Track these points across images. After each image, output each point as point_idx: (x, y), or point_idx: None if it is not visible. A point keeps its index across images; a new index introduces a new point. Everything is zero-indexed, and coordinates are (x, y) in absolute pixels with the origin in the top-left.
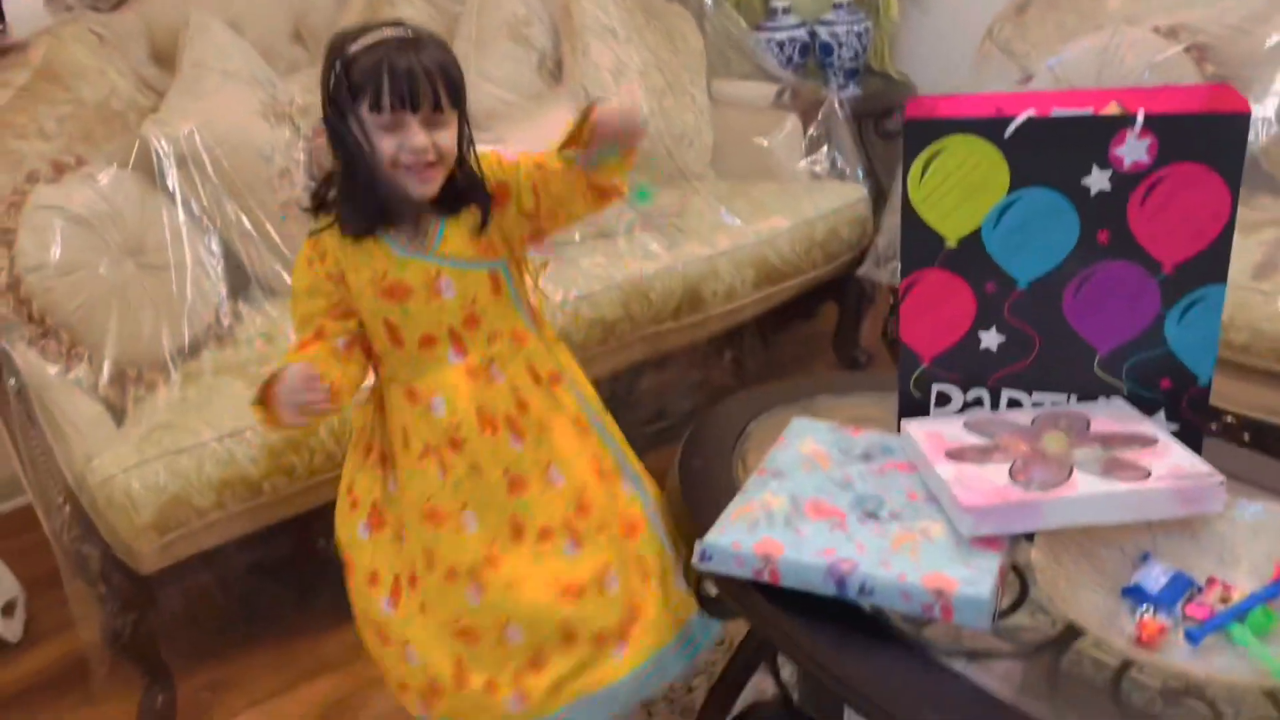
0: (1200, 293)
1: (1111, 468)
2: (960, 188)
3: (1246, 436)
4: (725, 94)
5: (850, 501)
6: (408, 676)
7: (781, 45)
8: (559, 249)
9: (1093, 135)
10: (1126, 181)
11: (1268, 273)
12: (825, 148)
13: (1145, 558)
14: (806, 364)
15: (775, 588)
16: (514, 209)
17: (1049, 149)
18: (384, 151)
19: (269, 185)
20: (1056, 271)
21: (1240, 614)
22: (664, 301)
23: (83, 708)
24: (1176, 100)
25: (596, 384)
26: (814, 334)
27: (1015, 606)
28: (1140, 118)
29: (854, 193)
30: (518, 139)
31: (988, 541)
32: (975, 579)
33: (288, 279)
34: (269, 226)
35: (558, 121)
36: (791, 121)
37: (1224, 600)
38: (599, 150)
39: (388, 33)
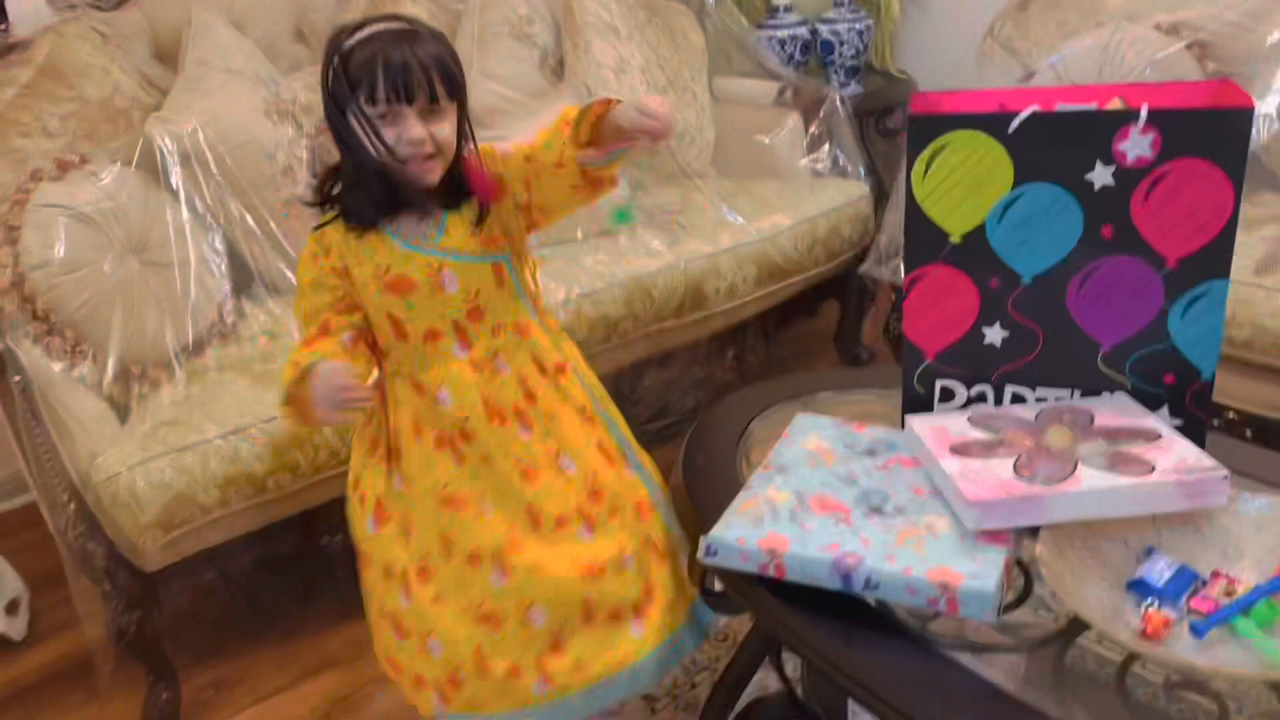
0: (1203, 288)
1: (1116, 462)
2: (964, 183)
3: (1248, 433)
4: (727, 92)
5: (855, 496)
6: (425, 670)
7: (783, 43)
8: (562, 247)
9: (1096, 130)
10: (1130, 177)
11: (1269, 269)
12: (827, 145)
13: (1150, 552)
14: (808, 362)
15: (780, 582)
16: (510, 202)
17: (1053, 144)
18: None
19: (272, 183)
20: (1060, 267)
21: (1245, 607)
22: (666, 299)
23: (88, 705)
24: (1180, 96)
25: (600, 381)
26: (816, 332)
27: (1019, 601)
28: (1144, 113)
29: (856, 190)
30: (520, 137)
31: (993, 536)
32: (981, 573)
33: (291, 276)
34: (272, 224)
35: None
36: (793, 119)
37: (1228, 594)
38: (614, 151)
39: (384, 26)
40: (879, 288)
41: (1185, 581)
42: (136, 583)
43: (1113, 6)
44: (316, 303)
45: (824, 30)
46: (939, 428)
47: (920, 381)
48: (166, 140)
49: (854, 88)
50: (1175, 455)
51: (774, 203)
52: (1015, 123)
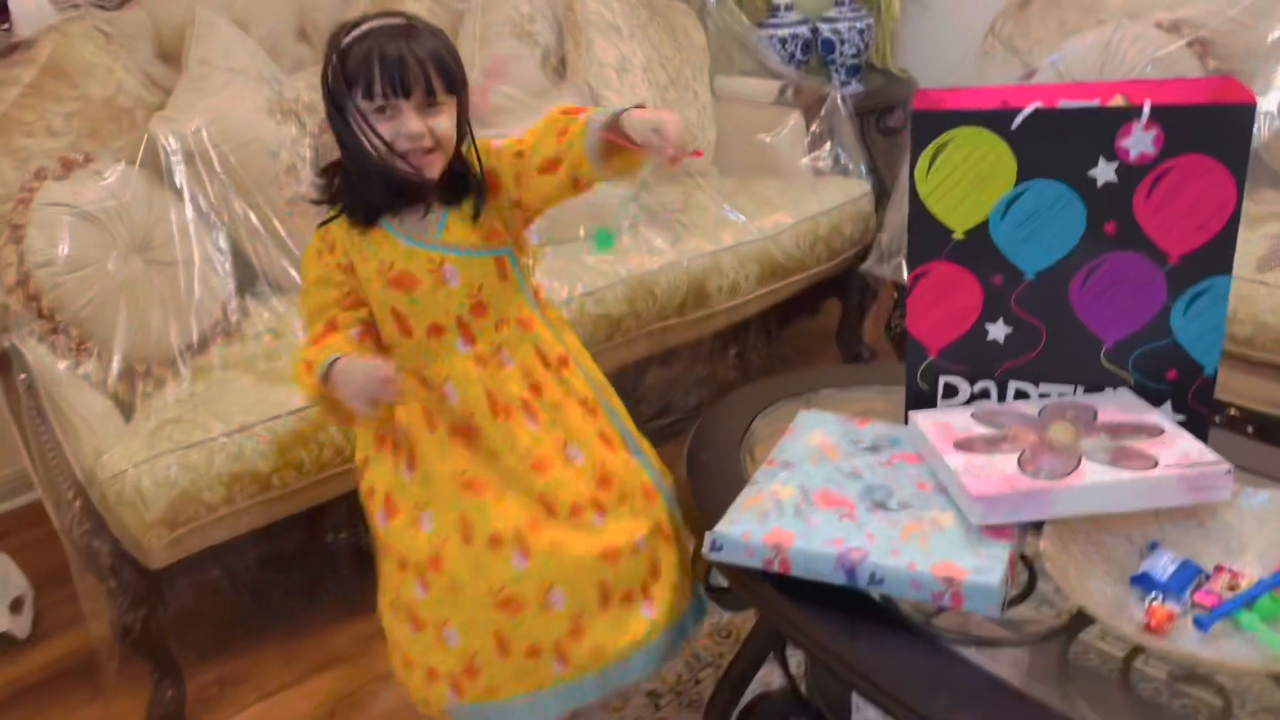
0: (1206, 284)
1: (1119, 457)
2: (967, 180)
3: (1250, 429)
4: (728, 90)
5: (859, 492)
6: (440, 662)
7: (784, 42)
8: (565, 246)
9: (1099, 127)
10: (1133, 173)
11: (1271, 266)
12: (828, 144)
13: (1153, 547)
14: (810, 360)
15: (785, 577)
16: (505, 197)
17: (1056, 141)
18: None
19: (276, 181)
20: (1063, 263)
21: (1248, 601)
22: (669, 297)
23: (92, 703)
24: (1182, 92)
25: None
26: (817, 330)
27: (1023, 596)
28: (1146, 109)
29: (857, 188)
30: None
31: (997, 531)
32: (985, 567)
33: (294, 275)
34: (276, 222)
35: None
36: (794, 118)
37: (1232, 588)
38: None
39: (381, 22)
40: (880, 286)
41: (1189, 576)
42: (142, 580)
43: (1113, 4)
44: (323, 299)
45: (825, 29)
46: (943, 424)
47: (924, 378)
48: (170, 139)
49: (855, 86)
50: (1178, 450)
51: (775, 201)
52: (1018, 119)
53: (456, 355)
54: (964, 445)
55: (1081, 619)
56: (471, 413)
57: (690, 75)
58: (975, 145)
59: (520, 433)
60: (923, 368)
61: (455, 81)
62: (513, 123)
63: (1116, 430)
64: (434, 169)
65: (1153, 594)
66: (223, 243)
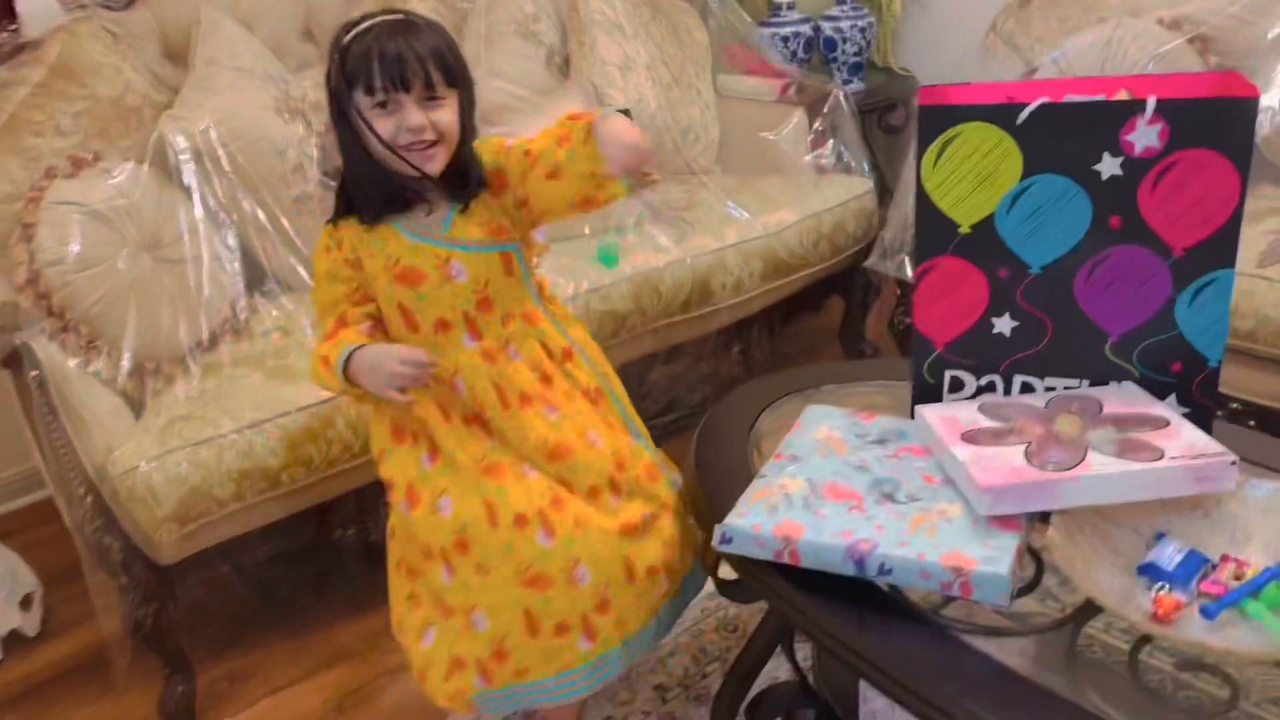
0: (1210, 276)
1: (1125, 448)
2: (974, 174)
3: (1252, 424)
4: (731, 89)
5: (867, 484)
6: (468, 649)
7: (786, 40)
8: (569, 243)
9: (1104, 121)
10: (1138, 167)
11: (1272, 260)
12: (831, 141)
13: (1159, 537)
14: (813, 357)
15: (795, 569)
16: (510, 196)
17: (1061, 135)
18: (384, 135)
19: (283, 180)
20: (1069, 257)
21: (1254, 590)
22: (673, 294)
23: (103, 699)
24: (1186, 87)
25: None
26: (820, 327)
27: (1031, 587)
28: (1151, 104)
29: (860, 186)
30: (526, 134)
31: (1005, 522)
32: (994, 557)
33: (303, 273)
34: (284, 220)
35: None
36: (797, 116)
37: (1238, 577)
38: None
39: (380, 19)
40: (883, 283)
41: (1195, 565)
42: (153, 576)
43: (1114, 2)
44: (331, 294)
45: (826, 27)
46: (949, 417)
47: (930, 372)
48: (178, 138)
49: (856, 85)
50: (1184, 441)
51: (779, 199)
52: (1024, 114)
53: (464, 350)
54: (971, 438)
55: (1089, 609)
56: (481, 405)
57: (693, 73)
58: (981, 140)
59: (536, 422)
60: (929, 362)
61: (456, 75)
62: (517, 121)
63: (1122, 422)
64: (437, 163)
65: (1159, 584)
66: (231, 241)
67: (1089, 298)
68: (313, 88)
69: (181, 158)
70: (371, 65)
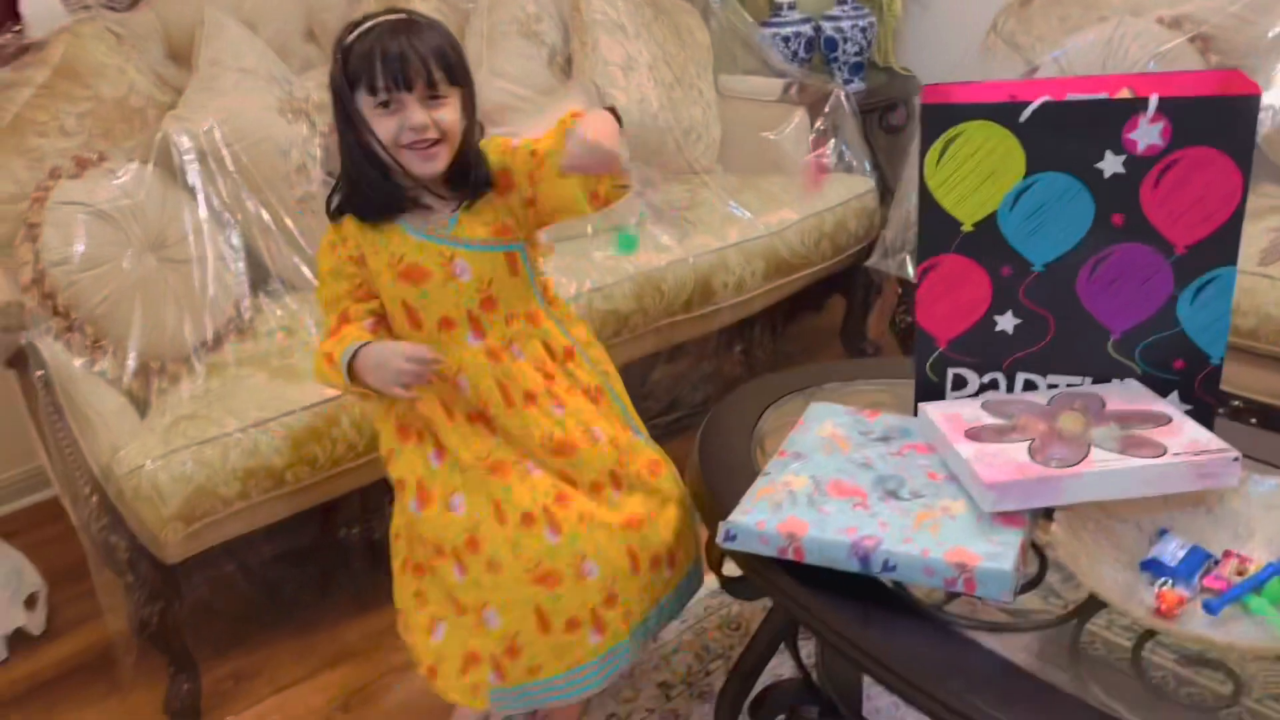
0: (1212, 274)
1: (1128, 445)
2: (976, 172)
3: (1253, 421)
4: (732, 88)
5: (871, 481)
6: (481, 645)
7: (787, 40)
8: (572, 242)
9: (1107, 119)
10: (1140, 165)
11: (1273, 258)
12: (832, 141)
13: (1162, 533)
14: (814, 356)
15: (799, 565)
16: (516, 196)
17: (1064, 133)
18: (386, 134)
19: (287, 180)
20: (1071, 254)
21: (1257, 585)
22: (676, 294)
23: (108, 697)
24: (1188, 85)
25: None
26: (822, 326)
27: (1035, 583)
28: (1154, 102)
29: (862, 185)
30: (530, 133)
31: (1009, 518)
32: (998, 553)
33: (306, 272)
34: (288, 220)
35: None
36: (799, 115)
37: (1240, 573)
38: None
39: (382, 19)
40: (885, 282)
41: (1198, 561)
42: (158, 575)
43: (1115, 1)
44: (335, 291)
45: (827, 27)
46: (952, 414)
47: (933, 370)
48: (183, 138)
49: (857, 84)
50: (1186, 438)
51: (781, 198)
52: (1027, 112)
53: (468, 348)
54: (974, 435)
55: (1092, 604)
56: (486, 403)
57: (695, 73)
58: (985, 138)
59: (541, 419)
60: (932, 359)
61: (458, 74)
62: (519, 121)
63: (1125, 419)
64: (440, 161)
65: (1162, 579)
66: (235, 241)
67: (1091, 295)
68: (316, 88)
69: (186, 158)
70: (374, 64)
